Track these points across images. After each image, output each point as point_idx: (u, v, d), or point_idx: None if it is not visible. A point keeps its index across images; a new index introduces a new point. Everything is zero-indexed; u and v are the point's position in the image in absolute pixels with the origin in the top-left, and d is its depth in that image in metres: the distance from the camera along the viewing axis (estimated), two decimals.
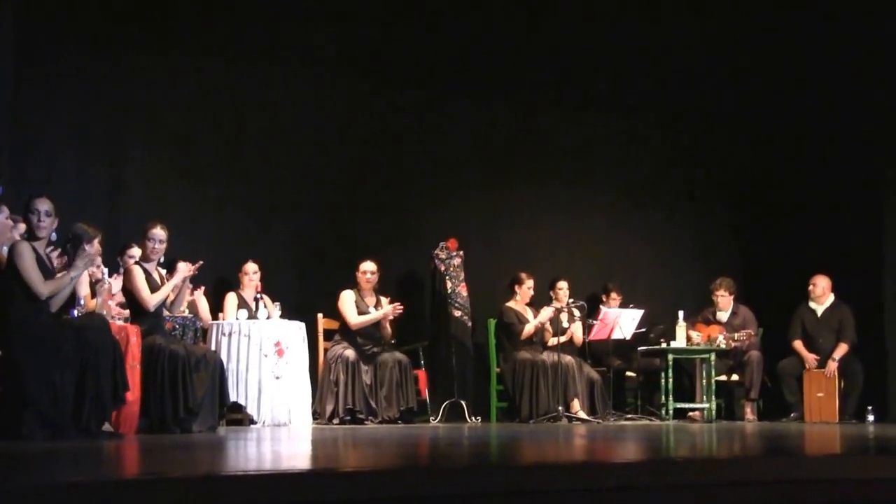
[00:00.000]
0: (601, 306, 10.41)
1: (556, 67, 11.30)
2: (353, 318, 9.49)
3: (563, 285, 10.33)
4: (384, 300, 9.69)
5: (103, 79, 9.65)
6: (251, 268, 9.35)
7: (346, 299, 9.56)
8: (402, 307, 9.49)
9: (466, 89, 10.95)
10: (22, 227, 6.85)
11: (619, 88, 11.46)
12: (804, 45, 11.23)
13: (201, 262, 8.04)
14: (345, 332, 9.54)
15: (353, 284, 9.64)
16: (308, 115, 10.41)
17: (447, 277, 10.33)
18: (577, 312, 10.15)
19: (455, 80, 10.94)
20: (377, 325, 9.55)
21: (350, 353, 9.26)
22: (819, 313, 10.39)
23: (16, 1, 7.81)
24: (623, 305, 10.44)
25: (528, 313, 10.17)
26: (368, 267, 9.63)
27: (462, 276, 10.37)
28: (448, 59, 10.93)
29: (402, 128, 10.79)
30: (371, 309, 9.57)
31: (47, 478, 3.56)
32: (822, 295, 10.39)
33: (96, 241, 7.09)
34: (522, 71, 11.18)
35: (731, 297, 10.58)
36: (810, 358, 10.22)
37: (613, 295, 10.64)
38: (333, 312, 9.63)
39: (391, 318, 9.53)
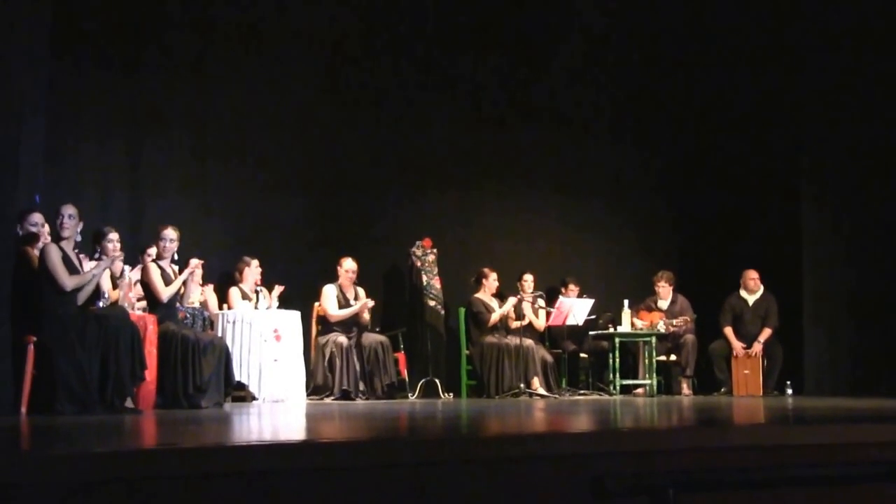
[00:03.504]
0: (560, 297, 10.45)
1: (518, 83, 11.30)
2: (333, 312, 9.49)
3: (528, 277, 10.38)
4: (361, 291, 9.71)
5: (123, 98, 9.61)
6: (252, 263, 9.35)
7: (328, 294, 9.57)
8: (373, 302, 9.56)
9: (440, 103, 10.97)
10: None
11: (573, 101, 11.47)
12: (745, 52, 11.13)
13: (204, 261, 8.15)
14: (330, 323, 9.54)
15: (336, 278, 9.67)
16: (299, 127, 10.35)
17: (422, 272, 10.35)
18: (540, 301, 10.21)
19: (430, 95, 10.95)
20: (356, 314, 9.56)
21: (343, 339, 9.26)
22: (750, 302, 10.46)
23: (50, 31, 7.79)
24: (579, 296, 10.48)
25: (494, 303, 10.21)
26: (349, 265, 9.65)
27: (436, 270, 10.40)
28: (422, 77, 10.93)
29: (385, 139, 10.74)
30: (352, 301, 9.58)
31: (76, 448, 3.58)
32: (756, 287, 10.47)
33: (115, 241, 7.19)
34: (489, 88, 11.20)
35: (671, 288, 10.64)
36: (738, 346, 10.29)
37: (571, 287, 10.65)
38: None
39: (368, 309, 9.55)
